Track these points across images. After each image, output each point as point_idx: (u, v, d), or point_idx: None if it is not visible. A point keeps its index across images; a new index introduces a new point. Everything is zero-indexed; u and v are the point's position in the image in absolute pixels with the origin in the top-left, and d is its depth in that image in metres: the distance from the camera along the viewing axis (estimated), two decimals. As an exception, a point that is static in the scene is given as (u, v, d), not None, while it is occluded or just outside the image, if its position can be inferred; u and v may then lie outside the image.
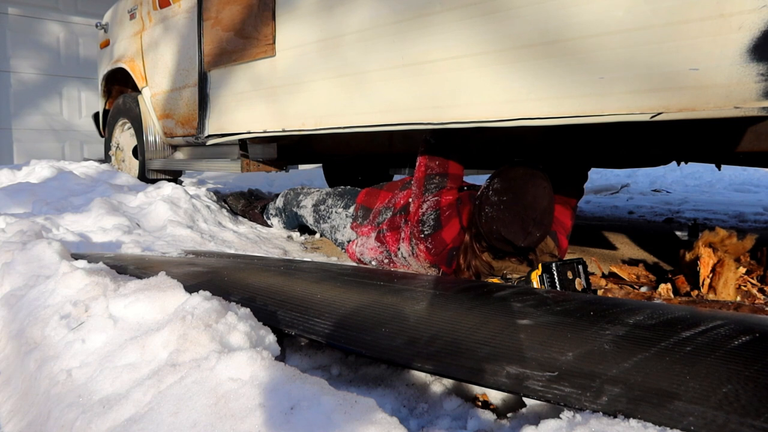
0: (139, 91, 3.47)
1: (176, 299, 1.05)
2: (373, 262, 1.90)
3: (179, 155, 3.42)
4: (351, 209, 2.10)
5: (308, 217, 2.34)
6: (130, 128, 3.79)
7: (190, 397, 0.77)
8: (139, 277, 1.27)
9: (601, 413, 0.69)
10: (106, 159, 4.11)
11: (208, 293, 1.02)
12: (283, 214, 2.60)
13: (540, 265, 1.48)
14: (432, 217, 1.67)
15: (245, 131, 2.39)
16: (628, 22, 1.15)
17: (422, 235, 1.67)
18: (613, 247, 2.33)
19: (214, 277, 1.38)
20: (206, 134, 2.62)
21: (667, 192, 4.96)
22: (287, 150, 2.88)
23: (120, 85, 3.88)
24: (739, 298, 1.55)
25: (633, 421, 0.67)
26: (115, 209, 2.44)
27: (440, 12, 1.52)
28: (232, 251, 2.21)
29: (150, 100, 3.35)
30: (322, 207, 2.25)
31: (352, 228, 2.06)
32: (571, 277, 1.47)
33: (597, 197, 4.69)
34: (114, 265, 1.44)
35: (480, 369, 0.82)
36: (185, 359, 0.86)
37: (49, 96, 6.79)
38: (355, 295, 1.22)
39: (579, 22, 1.23)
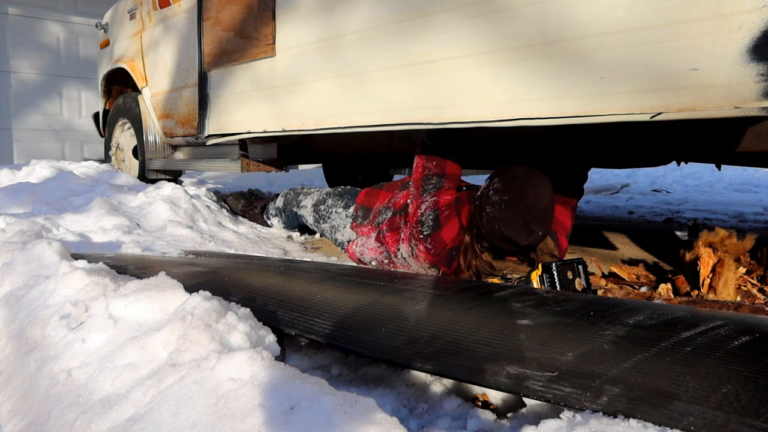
0: (139, 91, 3.47)
1: (176, 299, 1.05)
2: (373, 263, 1.90)
3: (179, 155, 3.42)
4: (351, 209, 2.10)
5: (308, 217, 2.34)
6: (130, 128, 3.79)
7: (190, 397, 0.77)
8: (139, 277, 1.27)
9: (601, 413, 0.69)
10: (106, 159, 4.11)
11: (208, 293, 1.02)
12: (283, 214, 2.60)
13: (540, 265, 1.48)
14: (431, 217, 1.67)
15: (245, 131, 2.39)
16: (628, 22, 1.15)
17: (421, 236, 1.67)
18: (613, 247, 2.33)
19: (214, 277, 1.38)
20: (206, 134, 2.62)
21: (667, 192, 4.96)
22: (287, 150, 2.88)
23: (120, 85, 3.88)
24: (739, 298, 1.55)
25: (633, 421, 0.67)
26: (115, 209, 2.44)
27: (440, 12, 1.52)
28: (232, 251, 2.21)
29: (150, 100, 3.35)
30: (322, 207, 2.25)
31: (352, 228, 2.06)
32: (571, 277, 1.47)
33: (597, 197, 4.69)
34: (114, 265, 1.44)
35: (480, 369, 0.82)
36: (185, 359, 0.86)
37: (49, 96, 6.79)
38: (355, 295, 1.22)
39: (579, 22, 1.23)
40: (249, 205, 2.93)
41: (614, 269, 1.82)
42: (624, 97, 1.18)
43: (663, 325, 0.92)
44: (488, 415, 0.89)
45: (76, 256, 1.58)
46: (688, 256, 1.63)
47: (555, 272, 1.45)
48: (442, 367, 0.86)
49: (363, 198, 2.10)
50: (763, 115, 1.02)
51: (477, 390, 0.97)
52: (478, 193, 1.64)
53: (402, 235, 1.78)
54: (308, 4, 1.98)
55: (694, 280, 1.59)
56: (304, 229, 2.72)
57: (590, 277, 1.56)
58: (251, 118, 2.33)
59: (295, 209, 2.46)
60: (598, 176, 5.59)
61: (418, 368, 0.88)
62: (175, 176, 3.74)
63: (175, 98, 3.09)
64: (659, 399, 0.70)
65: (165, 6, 3.11)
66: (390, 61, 1.67)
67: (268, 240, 2.53)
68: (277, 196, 2.72)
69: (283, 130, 2.17)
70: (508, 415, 0.90)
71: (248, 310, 1.03)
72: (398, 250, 1.79)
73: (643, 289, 1.68)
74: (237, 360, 0.80)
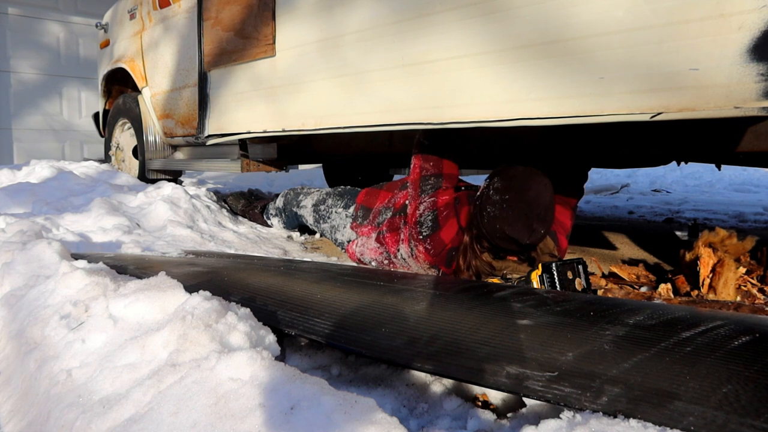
0: (139, 91, 3.47)
1: (176, 299, 1.05)
2: (373, 263, 1.90)
3: (179, 155, 3.42)
4: (351, 209, 2.10)
5: (308, 217, 2.34)
6: (130, 128, 3.79)
7: (190, 397, 0.77)
8: (139, 277, 1.27)
9: (601, 413, 0.69)
10: (106, 159, 4.11)
11: (208, 293, 1.02)
12: (283, 214, 2.60)
13: (540, 265, 1.47)
14: (430, 218, 1.67)
15: (245, 131, 2.39)
16: (628, 22, 1.15)
17: (421, 237, 1.67)
18: (613, 247, 2.33)
19: (214, 277, 1.38)
20: (206, 134, 2.62)
21: (667, 192, 4.96)
22: (287, 150, 2.88)
23: (120, 85, 3.88)
24: (739, 298, 1.55)
25: (633, 421, 0.67)
26: (115, 209, 2.44)
27: (440, 12, 1.52)
28: (232, 251, 2.21)
29: (150, 100, 3.35)
30: (322, 207, 2.25)
31: (352, 228, 2.06)
32: (571, 277, 1.47)
33: (597, 197, 4.69)
34: (114, 265, 1.44)
35: (480, 369, 0.82)
36: (185, 359, 0.86)
37: (49, 96, 6.79)
38: (355, 295, 1.22)
39: (579, 22, 1.23)
40: (249, 205, 2.93)
41: (614, 269, 1.82)
42: (624, 97, 1.18)
43: (663, 325, 0.92)
44: (488, 415, 0.89)
45: (76, 256, 1.58)
46: (688, 256, 1.63)
47: (555, 272, 1.45)
48: (442, 367, 0.86)
49: (363, 198, 2.10)
50: (763, 115, 1.02)
51: (477, 390, 0.97)
52: (478, 193, 1.64)
53: (402, 236, 1.78)
54: (308, 4, 1.98)
55: (694, 280, 1.59)
56: (304, 229, 2.72)
57: (590, 277, 1.56)
58: (251, 118, 2.33)
59: (295, 209, 2.46)
60: (598, 176, 5.59)
61: (418, 368, 0.88)
62: (175, 176, 3.74)
63: (175, 98, 3.09)
64: (659, 399, 0.70)
65: (165, 6, 3.11)
66: (390, 61, 1.67)
67: (268, 240, 2.53)
68: (277, 196, 2.72)
69: (283, 130, 2.17)
70: (508, 415, 0.90)
71: (248, 310, 1.03)
72: (398, 250, 1.79)
73: (643, 289, 1.68)
74: (237, 360, 0.80)
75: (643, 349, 0.82)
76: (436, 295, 1.20)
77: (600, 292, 1.63)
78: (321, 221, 2.24)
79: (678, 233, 2.58)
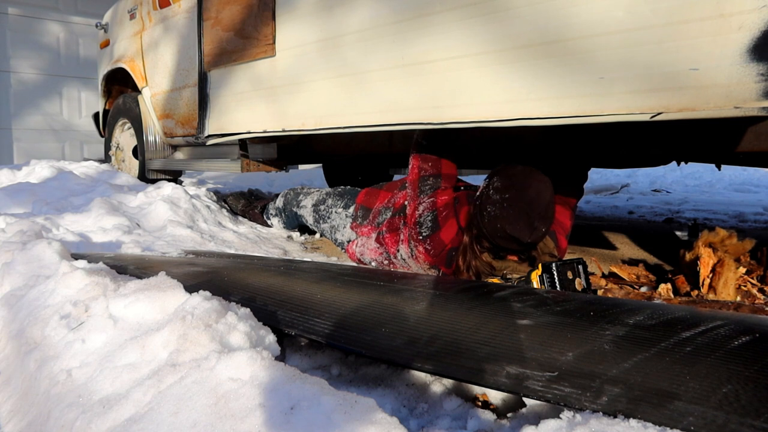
0: (139, 91, 3.47)
1: (176, 299, 1.05)
2: (373, 263, 1.90)
3: (179, 155, 3.42)
4: (351, 209, 2.10)
5: (308, 217, 2.34)
6: (130, 128, 3.79)
7: (190, 397, 0.77)
8: (139, 277, 1.27)
9: (601, 413, 0.69)
10: (106, 159, 4.11)
11: (208, 293, 1.02)
12: (283, 214, 2.60)
13: (540, 265, 1.47)
14: (429, 218, 1.67)
15: (245, 131, 2.39)
16: (628, 22, 1.15)
17: (420, 237, 1.67)
18: (613, 247, 2.33)
19: (214, 277, 1.38)
20: (206, 134, 2.62)
21: (667, 192, 4.96)
22: (287, 150, 2.89)
23: (120, 85, 3.88)
24: (739, 298, 1.55)
25: (633, 421, 0.67)
26: (115, 209, 2.44)
27: (440, 12, 1.52)
28: (232, 251, 2.21)
29: (150, 100, 3.35)
30: (322, 207, 2.25)
31: (351, 228, 2.06)
32: (571, 277, 1.47)
33: (597, 197, 4.69)
34: (114, 265, 1.44)
35: (480, 369, 0.82)
36: (185, 359, 0.86)
37: (49, 96, 6.79)
38: (355, 295, 1.22)
39: (579, 22, 1.23)
40: (249, 205, 2.93)
41: (614, 269, 1.82)
42: (624, 97, 1.18)
43: (663, 325, 0.92)
44: (488, 415, 0.89)
45: (76, 256, 1.58)
46: (688, 256, 1.63)
47: (555, 272, 1.45)
48: (442, 367, 0.86)
49: (363, 198, 2.10)
50: (763, 115, 1.02)
51: (477, 390, 0.97)
52: (478, 193, 1.64)
53: (401, 237, 1.78)
54: (308, 4, 1.98)
55: (694, 280, 1.59)
56: (304, 229, 2.72)
57: (590, 277, 1.56)
58: (251, 118, 2.33)
59: (295, 209, 2.46)
60: (598, 176, 5.59)
61: (418, 368, 0.88)
62: (175, 176, 3.74)
63: (175, 98, 3.09)
64: (659, 399, 0.70)
65: (165, 6, 3.11)
66: (390, 61, 1.67)
67: (268, 240, 2.53)
68: (277, 196, 2.72)
69: (283, 130, 2.17)
70: (508, 415, 0.90)
71: (248, 310, 1.03)
72: (398, 251, 1.79)
73: (643, 289, 1.68)
74: (237, 360, 0.80)
75: (643, 349, 0.82)
76: (436, 295, 1.20)
77: (600, 292, 1.63)
78: (321, 221, 2.24)
79: (678, 233, 2.58)
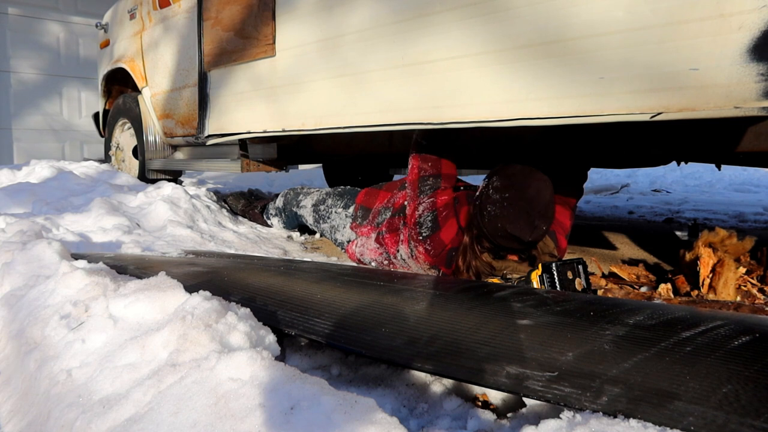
0: (139, 91, 3.47)
1: (176, 299, 1.05)
2: (373, 263, 1.90)
3: (179, 155, 3.42)
4: (351, 209, 2.10)
5: (308, 217, 2.34)
6: (130, 128, 3.79)
7: (190, 397, 0.77)
8: (139, 277, 1.27)
9: (601, 413, 0.69)
10: (106, 159, 4.11)
11: (208, 293, 1.02)
12: (283, 214, 2.60)
13: (540, 265, 1.47)
14: (429, 218, 1.67)
15: (245, 131, 2.39)
16: (628, 22, 1.15)
17: (420, 237, 1.67)
18: (613, 247, 2.33)
19: (214, 277, 1.38)
20: (206, 134, 2.62)
21: (667, 192, 4.96)
22: (287, 150, 2.89)
23: (120, 85, 3.88)
24: (739, 298, 1.55)
25: (633, 421, 0.67)
26: (115, 209, 2.44)
27: (440, 12, 1.52)
28: (232, 251, 2.21)
29: (150, 100, 3.35)
30: (321, 207, 2.25)
31: (351, 228, 2.06)
32: (571, 277, 1.47)
33: (597, 197, 4.69)
34: (114, 265, 1.44)
35: (480, 369, 0.82)
36: (185, 359, 0.86)
37: (49, 96, 6.79)
38: (355, 295, 1.22)
39: (579, 22, 1.23)
40: (249, 205, 2.93)
41: (614, 269, 1.82)
42: (624, 97, 1.18)
43: (663, 325, 0.92)
44: (488, 415, 0.89)
45: (76, 256, 1.58)
46: (688, 256, 1.63)
47: (555, 272, 1.45)
48: (442, 367, 0.86)
49: (362, 198, 2.10)
50: (763, 115, 1.02)
51: (477, 390, 0.97)
52: (477, 193, 1.64)
53: (401, 237, 1.78)
54: (308, 4, 1.98)
55: (694, 280, 1.59)
56: (304, 229, 2.72)
57: (590, 277, 1.56)
58: (251, 118, 2.33)
59: (295, 209, 2.46)
60: (598, 176, 5.59)
61: (418, 368, 0.88)
62: (175, 176, 3.74)
63: (175, 98, 3.09)
64: (659, 399, 0.70)
65: (165, 6, 3.11)
66: (390, 61, 1.67)
67: (268, 240, 2.53)
68: (277, 196, 2.72)
69: (283, 130, 2.17)
70: (508, 415, 0.90)
71: (248, 310, 1.03)
72: (397, 251, 1.79)
73: (643, 289, 1.68)
74: (237, 360, 0.80)
75: (643, 349, 0.82)
76: (436, 295, 1.20)
77: (600, 292, 1.63)
78: (321, 221, 2.24)
79: (678, 233, 2.58)
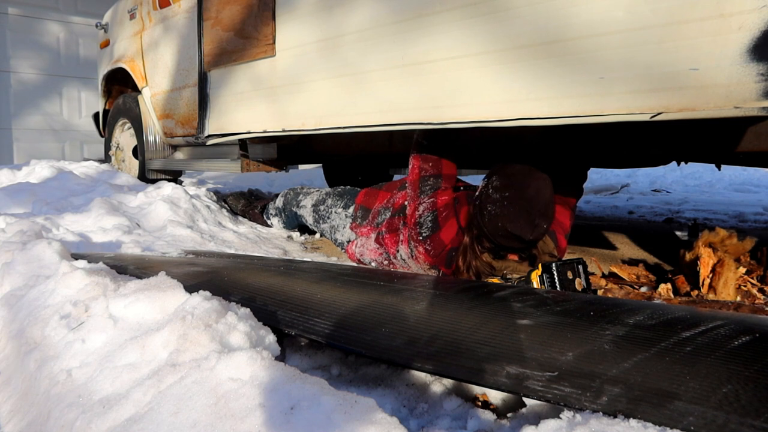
0: (139, 91, 3.47)
1: (176, 299, 1.05)
2: (373, 264, 1.90)
3: (179, 155, 3.42)
4: (350, 209, 2.10)
5: (308, 217, 2.34)
6: (130, 128, 3.79)
7: (190, 397, 0.77)
8: (139, 277, 1.27)
9: (601, 413, 0.69)
10: (106, 159, 4.11)
11: (208, 293, 1.02)
12: (282, 214, 2.60)
13: (540, 265, 1.47)
14: (429, 218, 1.67)
15: (245, 131, 2.39)
16: (628, 22, 1.15)
17: (420, 237, 1.67)
18: (613, 247, 2.33)
19: (214, 277, 1.38)
20: (206, 134, 2.62)
21: (667, 192, 4.96)
22: (287, 150, 2.89)
23: (120, 85, 3.88)
24: (739, 298, 1.55)
25: (633, 421, 0.67)
26: (115, 209, 2.44)
27: (440, 12, 1.52)
28: (232, 251, 2.21)
29: (150, 100, 3.35)
30: (321, 207, 2.25)
31: (351, 228, 2.06)
32: (571, 277, 1.47)
33: (597, 197, 4.69)
34: (114, 265, 1.44)
35: (480, 369, 0.82)
36: (185, 359, 0.86)
37: (49, 96, 6.79)
38: (355, 295, 1.22)
39: (579, 22, 1.23)
40: (249, 205, 2.93)
41: (614, 269, 1.82)
42: (624, 97, 1.18)
43: (663, 325, 0.92)
44: (488, 415, 0.89)
45: (76, 256, 1.58)
46: (688, 256, 1.63)
47: (555, 272, 1.45)
48: (442, 367, 0.86)
49: (362, 198, 2.10)
50: (763, 115, 1.02)
51: (477, 390, 0.97)
52: (477, 193, 1.64)
53: (401, 237, 1.78)
54: (308, 4, 1.98)
55: (694, 280, 1.59)
56: (304, 229, 2.72)
57: (590, 277, 1.56)
58: (251, 118, 2.33)
59: (294, 209, 2.46)
60: (598, 176, 5.59)
61: (418, 368, 0.88)
62: (175, 176, 3.74)
63: (175, 98, 3.09)
64: (659, 399, 0.70)
65: (165, 6, 3.11)
66: (390, 61, 1.67)
67: (268, 240, 2.53)
68: (277, 196, 2.72)
69: (283, 130, 2.17)
70: (508, 415, 0.90)
71: (248, 310, 1.03)
72: (398, 251, 1.79)
73: (643, 289, 1.68)
74: (237, 360, 0.80)
75: (643, 349, 0.82)
76: (436, 295, 1.20)
77: (600, 292, 1.63)
78: (321, 221, 2.24)
79: (678, 233, 2.58)
